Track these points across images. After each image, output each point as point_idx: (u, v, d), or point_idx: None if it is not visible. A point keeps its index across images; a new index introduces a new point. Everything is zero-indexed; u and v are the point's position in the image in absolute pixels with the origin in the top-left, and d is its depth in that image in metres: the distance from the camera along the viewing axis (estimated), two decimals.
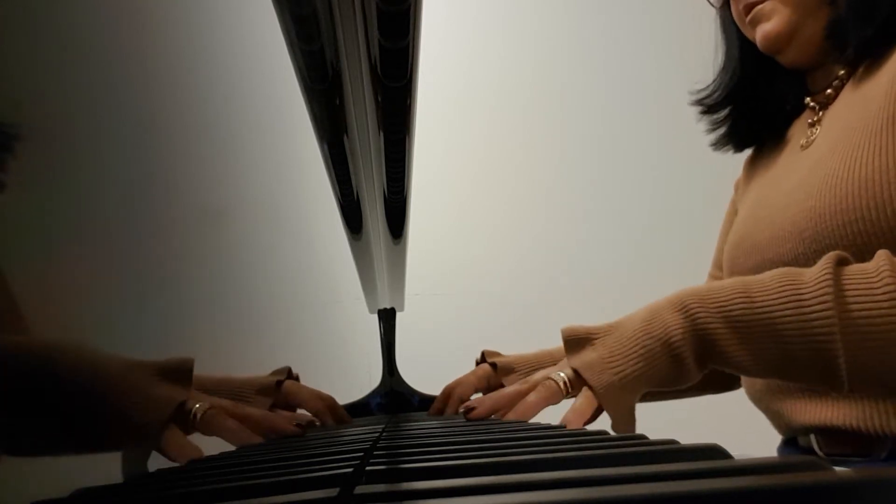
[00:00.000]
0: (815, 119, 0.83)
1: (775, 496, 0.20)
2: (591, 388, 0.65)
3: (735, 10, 0.86)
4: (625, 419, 0.66)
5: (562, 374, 0.67)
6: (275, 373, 0.92)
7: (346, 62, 0.45)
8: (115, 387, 0.54)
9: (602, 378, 0.64)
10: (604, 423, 0.62)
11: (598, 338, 0.67)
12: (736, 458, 0.31)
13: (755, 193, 0.88)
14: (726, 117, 0.94)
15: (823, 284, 0.56)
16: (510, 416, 0.67)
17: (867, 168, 0.66)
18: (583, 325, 0.70)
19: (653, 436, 0.43)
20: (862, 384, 0.58)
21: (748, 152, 0.98)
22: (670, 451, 0.34)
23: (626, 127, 2.04)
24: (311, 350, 1.81)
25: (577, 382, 0.67)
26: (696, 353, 0.63)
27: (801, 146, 0.83)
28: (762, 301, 0.59)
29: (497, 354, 0.94)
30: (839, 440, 0.74)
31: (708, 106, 0.94)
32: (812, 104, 0.85)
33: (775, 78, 0.88)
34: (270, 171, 1.87)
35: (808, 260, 0.68)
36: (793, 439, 0.83)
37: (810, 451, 0.77)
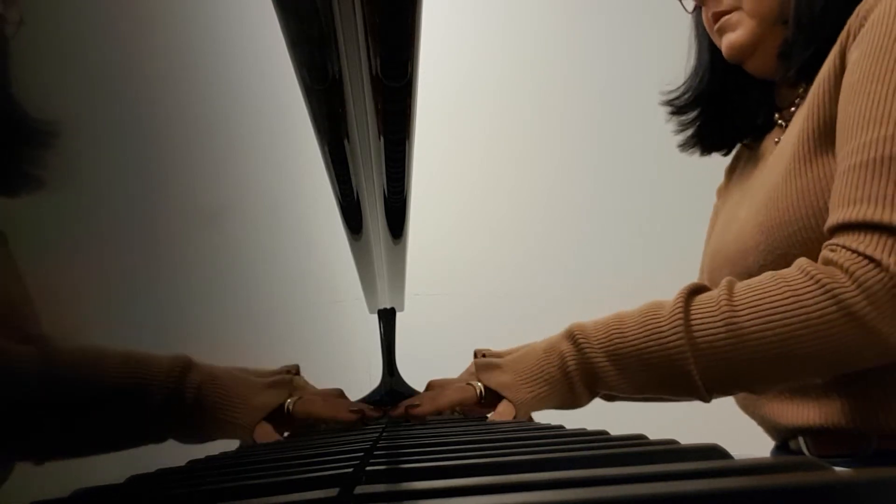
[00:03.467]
0: (781, 137, 0.84)
1: (775, 496, 0.20)
2: (511, 402, 0.76)
3: (705, 18, 0.87)
4: None
5: (479, 385, 0.78)
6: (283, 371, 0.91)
7: (346, 62, 0.45)
8: (228, 397, 0.74)
9: (519, 395, 0.75)
10: (603, 422, 0.62)
11: (506, 364, 0.79)
12: (736, 458, 0.31)
13: (730, 205, 0.90)
14: (694, 120, 0.95)
15: (676, 317, 0.66)
16: (425, 405, 0.77)
17: (803, 179, 0.70)
18: (491, 351, 0.85)
19: (653, 436, 0.43)
20: (724, 394, 0.69)
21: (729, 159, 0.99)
22: (670, 451, 0.34)
23: (627, 126, 2.04)
24: (312, 350, 1.81)
25: (490, 395, 0.77)
26: (584, 381, 0.73)
27: (768, 163, 0.84)
28: (632, 335, 0.70)
29: (490, 352, 0.94)
30: (826, 440, 0.74)
31: (677, 107, 0.96)
32: (780, 121, 0.86)
33: (746, 88, 0.89)
34: (271, 172, 1.87)
35: (771, 270, 0.69)
36: (784, 444, 0.83)
37: (800, 454, 0.78)
